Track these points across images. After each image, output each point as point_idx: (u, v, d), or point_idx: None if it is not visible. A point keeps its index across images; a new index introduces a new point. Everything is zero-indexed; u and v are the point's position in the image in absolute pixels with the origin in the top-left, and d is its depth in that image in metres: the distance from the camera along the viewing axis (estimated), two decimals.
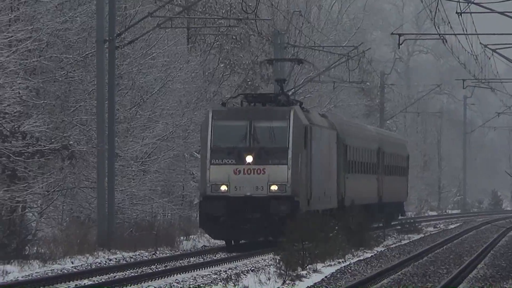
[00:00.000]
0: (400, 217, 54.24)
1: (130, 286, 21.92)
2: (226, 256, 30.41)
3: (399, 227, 50.04)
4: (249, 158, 28.04)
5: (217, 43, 47.76)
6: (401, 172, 55.02)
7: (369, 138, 48.35)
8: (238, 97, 33.54)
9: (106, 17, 32.29)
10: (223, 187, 28.29)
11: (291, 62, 41.27)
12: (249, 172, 28.08)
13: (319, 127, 33.78)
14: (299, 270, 24.99)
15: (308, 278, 23.23)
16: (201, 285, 22.05)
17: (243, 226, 28.55)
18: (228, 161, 28.60)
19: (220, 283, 22.16)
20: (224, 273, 25.26)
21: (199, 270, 26.49)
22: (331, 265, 27.48)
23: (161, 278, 23.49)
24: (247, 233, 29.40)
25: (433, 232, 51.83)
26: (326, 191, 34.84)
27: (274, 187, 27.74)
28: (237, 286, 21.31)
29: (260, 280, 22.49)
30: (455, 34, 39.77)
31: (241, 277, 23.45)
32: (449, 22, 37.74)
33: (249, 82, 49.82)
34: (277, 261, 25.16)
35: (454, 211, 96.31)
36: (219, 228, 28.94)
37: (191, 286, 21.94)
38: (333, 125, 37.89)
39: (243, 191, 28.05)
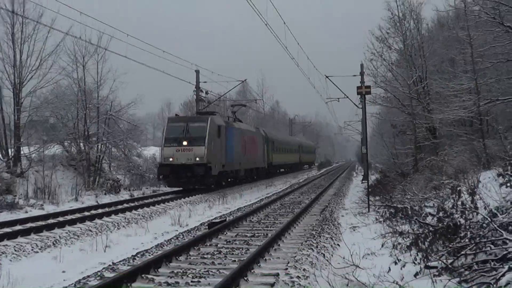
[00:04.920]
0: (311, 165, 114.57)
1: None
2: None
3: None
4: (184, 143, 38.73)
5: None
6: (312, 152, 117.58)
7: (292, 141, 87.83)
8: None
9: None
10: (170, 159, 38.69)
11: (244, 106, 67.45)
12: (184, 150, 38.62)
13: (238, 129, 47.59)
14: None
15: None
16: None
17: (182, 180, 39.02)
18: (173, 145, 38.87)
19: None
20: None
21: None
22: None
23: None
24: (184, 184, 39.50)
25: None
26: (252, 159, 52.06)
27: (197, 159, 38.30)
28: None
29: None
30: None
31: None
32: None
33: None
34: None
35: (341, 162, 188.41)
36: (169, 181, 39.72)
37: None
38: (259, 131, 58.04)
39: (180, 161, 38.53)
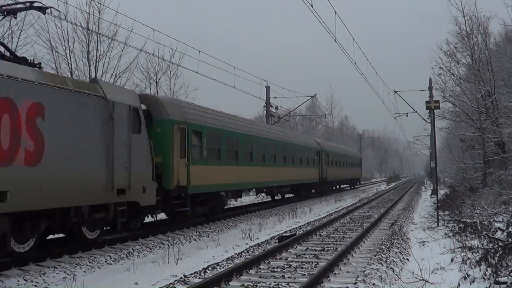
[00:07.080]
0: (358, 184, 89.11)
1: None
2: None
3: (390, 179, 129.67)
4: None
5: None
6: (355, 165, 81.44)
7: (297, 140, 48.18)
8: None
9: None
10: None
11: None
12: None
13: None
14: None
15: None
16: None
17: None
18: None
19: None
20: None
21: None
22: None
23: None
24: None
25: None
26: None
27: None
28: None
29: None
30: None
31: None
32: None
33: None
34: None
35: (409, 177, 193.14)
36: None
37: None
38: (91, 87, 18.83)
39: None
